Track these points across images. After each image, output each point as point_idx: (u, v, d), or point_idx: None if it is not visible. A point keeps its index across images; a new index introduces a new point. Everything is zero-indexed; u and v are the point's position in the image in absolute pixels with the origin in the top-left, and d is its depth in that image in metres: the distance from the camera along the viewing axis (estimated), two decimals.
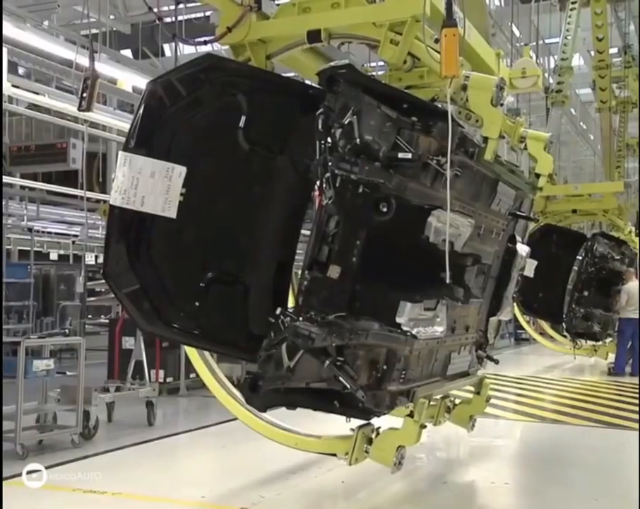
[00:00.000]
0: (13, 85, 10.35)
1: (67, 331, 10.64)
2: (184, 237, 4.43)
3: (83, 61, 10.64)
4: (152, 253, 4.32)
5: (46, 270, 16.44)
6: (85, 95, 6.57)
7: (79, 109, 6.82)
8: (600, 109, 17.01)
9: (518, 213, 5.90)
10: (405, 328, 4.49)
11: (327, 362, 4.10)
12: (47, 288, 15.95)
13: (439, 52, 4.55)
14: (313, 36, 5.14)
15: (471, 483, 6.53)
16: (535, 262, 13.47)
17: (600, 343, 14.77)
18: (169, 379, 11.13)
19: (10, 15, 9.36)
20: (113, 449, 7.40)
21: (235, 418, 8.75)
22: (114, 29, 14.23)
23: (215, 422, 8.88)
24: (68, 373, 9.41)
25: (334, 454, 5.31)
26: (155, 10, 5.59)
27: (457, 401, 6.56)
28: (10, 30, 9.01)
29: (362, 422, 5.04)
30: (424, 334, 4.70)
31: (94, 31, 16.11)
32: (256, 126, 4.48)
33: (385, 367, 4.52)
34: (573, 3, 15.96)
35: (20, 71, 14.96)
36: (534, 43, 18.29)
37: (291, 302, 4.95)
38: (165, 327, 4.43)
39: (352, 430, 5.10)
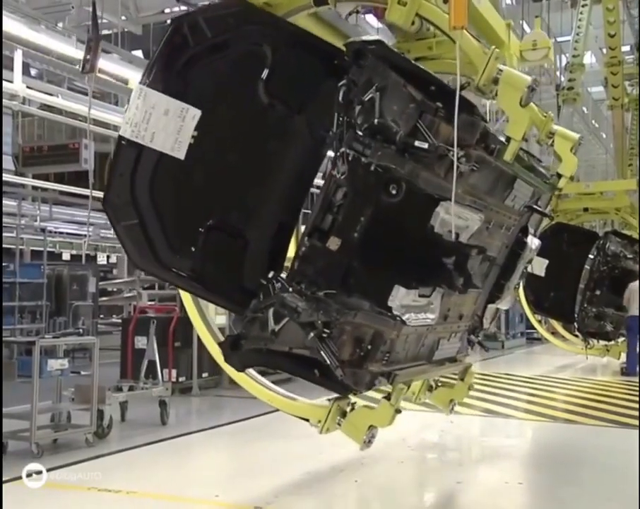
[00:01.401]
0: (27, 87, 10.41)
1: (81, 330, 10.69)
2: (190, 180, 4.35)
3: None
4: (155, 191, 4.25)
5: (59, 270, 16.50)
6: (88, 57, 6.56)
7: (82, 72, 6.81)
8: (612, 106, 16.88)
9: (535, 207, 5.78)
10: (395, 312, 4.43)
11: (311, 334, 4.07)
12: (60, 288, 16.00)
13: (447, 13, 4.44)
14: None
15: (485, 483, 6.52)
16: (546, 261, 13.50)
17: (613, 342, 14.70)
18: (181, 379, 11.17)
19: (24, 16, 9.42)
20: (127, 449, 7.44)
21: (249, 418, 8.81)
22: (126, 30, 14.29)
23: (228, 421, 8.91)
24: (82, 373, 9.48)
25: (307, 420, 5.28)
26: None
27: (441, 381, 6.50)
28: (24, 31, 9.08)
29: None
30: (414, 320, 4.64)
31: (105, 31, 16.21)
32: (277, 81, 4.38)
33: (369, 347, 4.46)
34: None
35: (32, 72, 15.04)
36: None
37: (291, 252, 4.91)
38: (158, 266, 4.37)
39: (329, 400, 5.09)
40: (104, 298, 19.03)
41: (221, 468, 7.18)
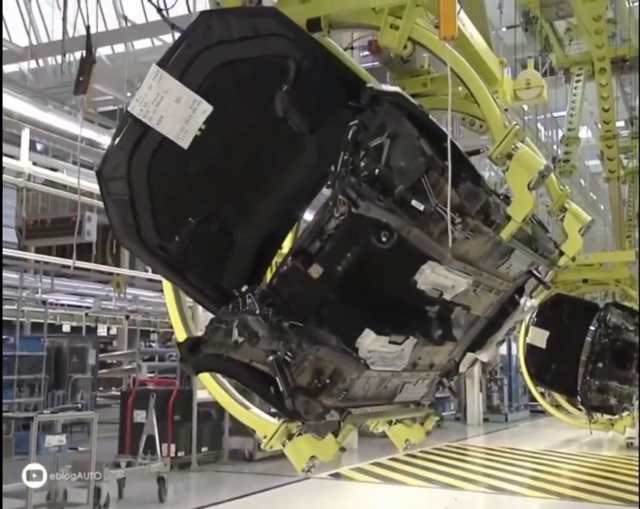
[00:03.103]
0: (34, 163, 10.62)
1: (79, 405, 10.62)
2: (188, 170, 4.31)
3: (100, 138, 10.99)
4: (152, 171, 4.22)
5: (59, 342, 16.45)
6: (81, 79, 6.62)
7: (75, 93, 6.86)
8: (608, 178, 17.10)
9: (534, 272, 5.68)
10: (361, 355, 4.26)
11: (271, 358, 3.98)
12: (59, 360, 15.90)
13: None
14: (313, 24, 5.01)
15: None
16: (547, 333, 13.43)
17: (617, 417, 14.50)
18: (180, 454, 11.01)
19: (33, 97, 9.64)
20: None
21: (249, 494, 8.67)
22: None
23: (227, 498, 8.75)
24: (80, 448, 9.37)
25: (254, 431, 5.19)
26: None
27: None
28: (32, 111, 9.30)
29: None
30: (379, 365, 4.47)
31: (111, 107, 16.60)
32: (296, 96, 4.32)
33: (327, 381, 4.31)
34: (578, 75, 16.31)
35: (38, 146, 15.33)
36: (542, 116, 18.66)
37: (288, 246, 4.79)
38: (141, 246, 4.30)
39: (279, 418, 5.00)
40: (103, 371, 18.93)
41: None
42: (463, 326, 5.11)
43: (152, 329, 23.42)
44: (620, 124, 17.38)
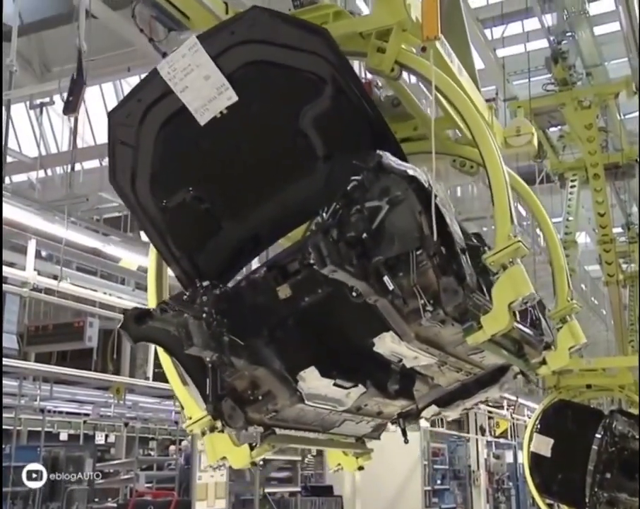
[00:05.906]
0: (39, 274, 10.78)
1: None
2: (197, 145, 4.32)
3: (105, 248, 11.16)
4: (163, 133, 4.25)
5: (55, 452, 16.13)
6: (71, 98, 6.74)
7: (64, 113, 6.96)
8: (607, 282, 17.12)
9: (521, 367, 5.19)
10: (300, 388, 4.05)
11: (207, 358, 3.88)
12: (55, 471, 15.57)
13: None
14: None
15: None
16: (552, 440, 13.14)
17: None
18: None
19: (40, 209, 9.91)
20: None
21: None
22: None
23: None
24: None
25: (182, 408, 4.94)
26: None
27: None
28: (39, 222, 9.53)
29: None
30: (318, 402, 4.25)
31: (117, 214, 16.94)
32: (321, 120, 4.31)
33: (260, 397, 4.13)
34: (572, 180, 16.65)
35: (43, 253, 15.55)
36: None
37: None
38: (130, 196, 4.32)
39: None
40: (100, 480, 18.49)
41: None
42: (423, 388, 4.87)
43: (151, 436, 23.01)
44: (618, 230, 17.62)
